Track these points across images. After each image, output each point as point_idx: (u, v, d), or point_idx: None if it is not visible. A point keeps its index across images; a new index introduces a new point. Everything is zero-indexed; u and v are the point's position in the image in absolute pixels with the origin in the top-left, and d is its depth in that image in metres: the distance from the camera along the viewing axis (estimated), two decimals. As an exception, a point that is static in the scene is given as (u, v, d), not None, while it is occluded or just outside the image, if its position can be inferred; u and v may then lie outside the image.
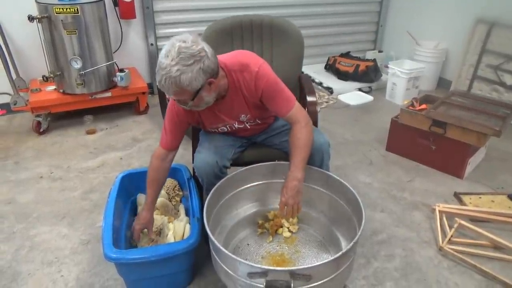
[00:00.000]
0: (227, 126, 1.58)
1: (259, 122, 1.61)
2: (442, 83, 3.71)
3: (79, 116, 2.87)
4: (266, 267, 1.13)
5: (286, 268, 1.13)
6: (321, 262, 1.20)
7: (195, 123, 1.59)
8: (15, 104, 2.74)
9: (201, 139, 1.65)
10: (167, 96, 1.37)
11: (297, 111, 1.46)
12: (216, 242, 1.21)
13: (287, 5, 3.71)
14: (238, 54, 1.48)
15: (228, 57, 1.44)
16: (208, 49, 1.26)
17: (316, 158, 1.54)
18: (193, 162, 1.57)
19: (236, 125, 1.58)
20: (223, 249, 1.19)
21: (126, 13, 3.04)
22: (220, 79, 1.36)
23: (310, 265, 1.21)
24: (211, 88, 1.32)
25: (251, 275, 1.15)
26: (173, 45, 1.22)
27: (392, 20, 4.17)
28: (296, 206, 1.38)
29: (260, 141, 1.74)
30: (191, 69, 1.22)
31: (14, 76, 2.84)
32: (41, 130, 2.75)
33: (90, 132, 2.79)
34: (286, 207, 1.38)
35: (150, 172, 1.55)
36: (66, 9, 2.48)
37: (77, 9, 2.51)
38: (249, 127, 1.60)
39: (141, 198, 1.85)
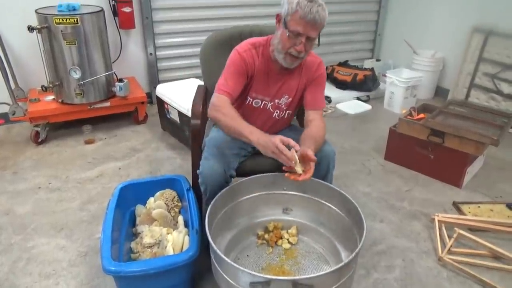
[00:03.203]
0: (263, 102, 1.63)
1: (284, 116, 1.68)
2: (439, 91, 3.74)
3: (77, 126, 2.87)
4: (269, 276, 1.13)
5: (289, 278, 1.13)
6: (324, 272, 1.19)
7: (247, 80, 1.57)
8: (13, 114, 2.74)
9: (207, 146, 1.63)
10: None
11: (322, 116, 1.61)
12: (218, 251, 1.21)
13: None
14: None
15: None
16: None
17: (322, 166, 1.54)
18: (198, 169, 1.53)
19: (269, 107, 1.63)
20: (226, 258, 1.18)
21: (126, 23, 3.05)
22: None
23: (312, 275, 1.20)
24: None
25: (254, 284, 1.14)
26: None
27: (390, 29, 4.21)
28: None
29: None
30: (326, 8, 1.41)
31: (13, 86, 2.84)
32: (40, 140, 2.75)
33: (89, 142, 2.79)
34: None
35: (229, 110, 1.45)
36: (66, 20, 2.49)
37: (77, 20, 2.52)
38: (273, 116, 1.66)
39: (140, 209, 1.85)
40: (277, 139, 1.32)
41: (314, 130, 1.52)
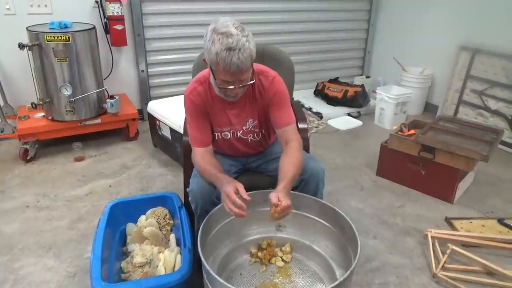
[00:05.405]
0: (231, 131, 1.58)
1: (260, 136, 1.62)
2: (429, 107, 3.79)
3: (67, 143, 2.84)
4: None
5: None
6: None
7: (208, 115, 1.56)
8: (1, 132, 2.70)
9: None
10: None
11: (295, 130, 1.50)
12: (211, 270, 1.19)
13: (277, 33, 3.79)
14: (255, 64, 1.47)
15: None
16: None
17: (311, 186, 1.53)
18: (188, 187, 1.53)
19: (239, 134, 1.58)
20: (218, 278, 1.16)
21: (118, 41, 3.06)
22: None
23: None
24: None
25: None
26: (225, 25, 1.25)
27: (379, 46, 4.29)
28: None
29: (255, 167, 1.73)
30: (251, 37, 1.28)
31: (1, 103, 2.81)
32: (28, 157, 2.70)
33: (79, 159, 2.75)
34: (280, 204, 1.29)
35: (204, 165, 1.46)
36: (58, 37, 2.49)
37: (69, 37, 2.52)
38: (249, 141, 1.61)
39: (130, 228, 1.82)
40: (231, 188, 1.31)
41: (291, 154, 1.42)
